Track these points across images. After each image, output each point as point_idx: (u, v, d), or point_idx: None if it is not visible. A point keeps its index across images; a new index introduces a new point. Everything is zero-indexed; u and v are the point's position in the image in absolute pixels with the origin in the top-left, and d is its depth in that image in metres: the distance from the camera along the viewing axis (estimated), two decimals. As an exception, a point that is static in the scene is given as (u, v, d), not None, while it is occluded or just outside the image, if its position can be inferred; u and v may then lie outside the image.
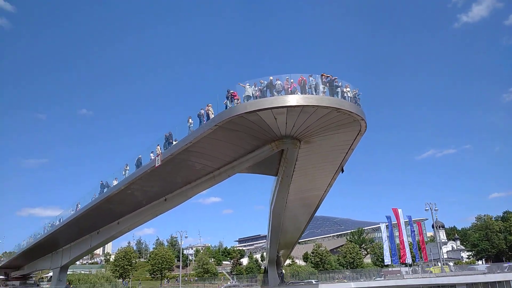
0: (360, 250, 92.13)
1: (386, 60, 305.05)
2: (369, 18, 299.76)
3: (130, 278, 72.69)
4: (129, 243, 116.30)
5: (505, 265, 48.38)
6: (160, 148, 27.90)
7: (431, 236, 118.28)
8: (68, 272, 56.68)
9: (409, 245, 50.27)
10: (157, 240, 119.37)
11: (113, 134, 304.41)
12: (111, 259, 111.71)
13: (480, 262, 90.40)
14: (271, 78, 21.59)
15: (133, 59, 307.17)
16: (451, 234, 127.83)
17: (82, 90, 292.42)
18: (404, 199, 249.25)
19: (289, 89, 21.16)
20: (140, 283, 73.71)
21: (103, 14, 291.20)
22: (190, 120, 25.53)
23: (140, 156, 31.48)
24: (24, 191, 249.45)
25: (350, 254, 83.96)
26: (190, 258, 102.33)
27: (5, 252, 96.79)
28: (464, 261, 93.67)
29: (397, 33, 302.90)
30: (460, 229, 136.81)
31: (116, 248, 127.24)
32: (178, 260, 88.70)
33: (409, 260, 46.78)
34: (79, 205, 41.89)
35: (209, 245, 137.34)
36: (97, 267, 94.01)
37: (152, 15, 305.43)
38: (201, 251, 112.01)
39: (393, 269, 55.29)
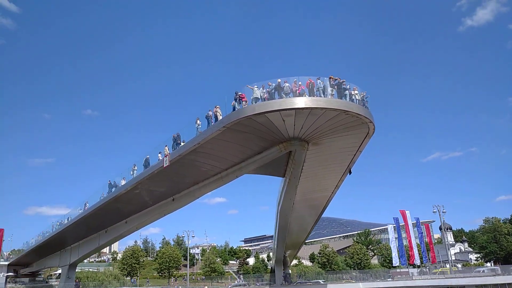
0: (367, 251, 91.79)
1: (391, 63, 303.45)
2: (374, 21, 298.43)
3: (137, 276, 73.21)
4: (135, 242, 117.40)
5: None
6: (168, 149, 28.12)
7: (438, 238, 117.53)
8: (76, 270, 57.29)
9: (417, 247, 50.03)
10: (163, 239, 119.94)
11: (118, 134, 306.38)
12: (118, 258, 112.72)
13: (488, 264, 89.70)
14: (279, 80, 21.67)
15: (138, 59, 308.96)
16: (459, 236, 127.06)
17: (86, 90, 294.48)
18: (409, 201, 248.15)
19: (297, 91, 21.21)
20: (148, 281, 74.22)
21: (108, 13, 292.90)
22: (198, 121, 25.69)
23: (148, 156, 31.78)
24: (31, 190, 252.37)
25: (358, 255, 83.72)
26: (197, 257, 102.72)
27: (14, 249, 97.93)
28: (472, 263, 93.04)
29: (402, 36, 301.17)
30: (467, 231, 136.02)
31: (122, 246, 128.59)
32: (185, 259, 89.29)
33: (417, 261, 46.58)
34: (87, 204, 42.32)
35: (214, 244, 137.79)
36: (104, 265, 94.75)
37: (157, 14, 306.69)
38: (208, 251, 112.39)
39: (401, 270, 55.07)
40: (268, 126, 22.16)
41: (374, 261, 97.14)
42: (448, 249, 56.07)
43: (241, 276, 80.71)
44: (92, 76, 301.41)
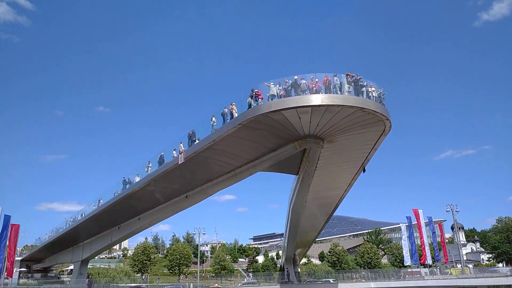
0: (377, 251, 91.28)
1: (403, 60, 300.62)
2: (388, 18, 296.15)
3: (148, 273, 73.77)
4: (146, 238, 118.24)
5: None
6: (183, 146, 28.23)
7: (449, 237, 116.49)
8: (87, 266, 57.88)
9: (429, 246, 49.68)
10: (173, 236, 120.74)
11: (129, 131, 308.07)
12: (128, 254, 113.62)
13: (500, 264, 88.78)
14: (296, 77, 21.65)
15: (151, 56, 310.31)
16: (470, 236, 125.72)
17: (98, 87, 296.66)
18: (420, 200, 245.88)
19: (314, 88, 21.17)
20: (158, 277, 74.75)
21: (120, 9, 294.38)
22: (214, 118, 25.75)
23: (162, 153, 31.92)
24: (43, 186, 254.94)
25: (368, 254, 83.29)
26: (206, 254, 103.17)
27: (26, 245, 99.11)
28: (484, 263, 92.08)
29: (416, 33, 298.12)
30: (479, 231, 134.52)
31: (132, 243, 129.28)
32: (195, 257, 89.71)
33: (429, 261, 46.25)
34: (101, 201, 42.65)
35: (223, 242, 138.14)
36: (115, 261, 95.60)
37: (170, 10, 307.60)
38: (217, 248, 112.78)
39: (413, 270, 54.72)
40: (283, 123, 22.16)
41: (384, 260, 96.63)
42: (460, 249, 55.49)
43: (249, 274, 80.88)
44: (104, 72, 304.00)
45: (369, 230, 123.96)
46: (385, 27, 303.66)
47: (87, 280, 40.92)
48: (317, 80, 21.39)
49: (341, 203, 41.52)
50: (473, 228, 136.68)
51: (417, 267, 57.71)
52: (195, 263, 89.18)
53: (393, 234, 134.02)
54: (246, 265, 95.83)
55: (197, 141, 27.11)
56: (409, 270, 55.41)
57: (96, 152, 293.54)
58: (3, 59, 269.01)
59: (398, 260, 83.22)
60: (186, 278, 77.11)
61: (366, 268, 76.96)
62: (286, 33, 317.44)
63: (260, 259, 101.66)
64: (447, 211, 49.87)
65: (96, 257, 76.59)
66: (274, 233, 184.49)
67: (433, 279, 42.59)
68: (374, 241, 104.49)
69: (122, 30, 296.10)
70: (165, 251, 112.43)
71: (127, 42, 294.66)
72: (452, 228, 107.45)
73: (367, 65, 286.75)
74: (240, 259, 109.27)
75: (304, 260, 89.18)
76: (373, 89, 22.29)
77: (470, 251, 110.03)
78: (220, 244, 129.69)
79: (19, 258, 71.78)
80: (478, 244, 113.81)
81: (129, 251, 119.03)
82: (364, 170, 30.40)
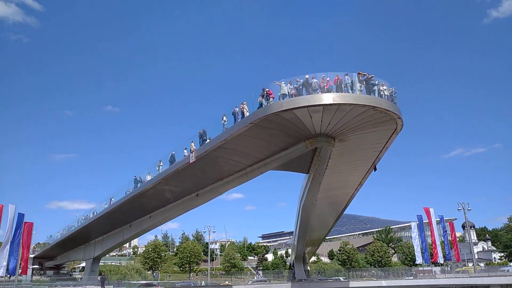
0: (388, 249, 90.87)
1: (412, 57, 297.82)
2: (398, 17, 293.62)
3: (159, 271, 74.40)
4: (156, 236, 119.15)
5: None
6: (194, 145, 28.42)
7: (460, 236, 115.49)
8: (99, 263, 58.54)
9: (441, 245, 49.37)
10: (182, 234, 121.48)
11: (138, 130, 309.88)
12: (138, 252, 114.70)
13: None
14: (307, 76, 21.69)
15: (159, 55, 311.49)
16: (482, 234, 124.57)
17: (106, 86, 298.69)
18: (429, 198, 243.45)
19: (325, 87, 21.17)
20: (169, 275, 75.35)
21: (128, 7, 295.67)
22: (225, 117, 25.87)
23: (173, 152, 32.18)
24: (53, 185, 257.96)
25: (378, 252, 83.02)
26: (216, 252, 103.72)
27: (38, 243, 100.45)
28: (496, 262, 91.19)
29: (425, 31, 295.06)
30: (490, 229, 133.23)
31: (142, 241, 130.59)
32: (204, 254, 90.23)
33: (440, 259, 45.96)
34: (113, 199, 43.08)
35: (232, 240, 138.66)
36: (125, 259, 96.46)
37: (181, 9, 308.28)
38: (227, 246, 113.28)
39: (425, 268, 54.40)
40: (295, 122, 22.21)
41: (394, 259, 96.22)
42: (472, 247, 55.00)
43: (259, 272, 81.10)
44: (112, 72, 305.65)
45: (379, 229, 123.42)
46: (393, 26, 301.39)
47: (100, 277, 41.35)
48: (328, 79, 21.40)
49: (351, 202, 41.50)
50: (484, 226, 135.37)
51: (428, 265, 57.37)
52: (205, 261, 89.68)
53: (402, 232, 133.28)
54: (256, 263, 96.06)
55: (208, 140, 27.28)
56: (420, 268, 55.09)
57: (105, 151, 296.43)
58: (13, 59, 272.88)
59: (409, 259, 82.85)
60: (197, 276, 77.60)
61: (376, 266, 76.72)
62: (290, 32, 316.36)
63: (269, 257, 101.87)
64: (458, 209, 49.45)
65: (106, 255, 77.48)
66: (283, 231, 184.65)
67: (445, 278, 42.23)
68: (384, 239, 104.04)
69: (129, 29, 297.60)
70: (175, 249, 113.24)
71: (135, 41, 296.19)
72: (463, 226, 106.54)
73: (375, 64, 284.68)
74: (249, 257, 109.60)
75: (313, 258, 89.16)
76: (384, 87, 22.24)
77: (481, 249, 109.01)
78: (229, 242, 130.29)
79: (32, 256, 72.85)
80: (489, 243, 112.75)
81: (139, 249, 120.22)
82: (375, 169, 30.35)
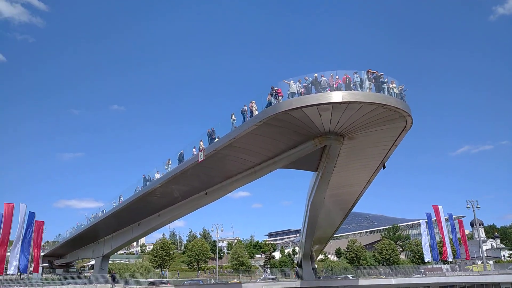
0: (396, 247, 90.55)
1: (417, 54, 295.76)
2: (402, 13, 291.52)
3: (167, 269, 74.83)
4: (163, 235, 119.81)
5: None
6: (203, 144, 28.54)
7: (468, 234, 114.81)
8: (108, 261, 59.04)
9: (450, 243, 49.11)
10: (190, 232, 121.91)
11: (144, 129, 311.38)
12: (146, 250, 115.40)
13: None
14: (316, 74, 21.63)
15: (165, 53, 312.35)
16: (490, 232, 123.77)
17: (112, 85, 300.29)
18: (436, 196, 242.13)
19: (335, 85, 21.14)
20: (178, 273, 75.77)
21: (134, 3, 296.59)
22: (233, 116, 25.95)
23: (182, 151, 32.35)
24: (61, 183, 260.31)
25: (386, 250, 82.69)
26: (224, 250, 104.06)
27: (47, 241, 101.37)
28: (505, 260, 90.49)
29: (430, 27, 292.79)
30: (499, 227, 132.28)
31: (149, 239, 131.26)
32: (212, 252, 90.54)
33: (450, 257, 45.75)
34: (122, 198, 43.43)
35: (239, 238, 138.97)
36: (134, 257, 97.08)
37: (186, 8, 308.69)
38: (234, 244, 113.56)
39: (433, 266, 54.18)
40: (304, 120, 22.19)
41: (402, 257, 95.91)
42: (481, 245, 54.67)
43: (266, 270, 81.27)
44: (118, 71, 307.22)
45: (386, 227, 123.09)
46: (397, 24, 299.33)
47: (111, 274, 41.79)
48: (337, 77, 21.35)
49: (359, 199, 41.40)
50: (493, 224, 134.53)
51: (437, 263, 57.14)
52: (213, 259, 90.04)
53: (410, 230, 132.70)
54: (263, 261, 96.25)
55: (216, 139, 27.39)
56: (429, 266, 54.88)
57: (112, 150, 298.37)
58: (19, 59, 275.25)
59: (417, 257, 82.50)
60: (205, 274, 77.95)
61: (385, 264, 76.51)
62: (298, 31, 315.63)
63: (277, 255, 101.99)
64: (467, 207, 49.12)
65: (115, 253, 78.11)
66: (290, 230, 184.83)
67: (454, 276, 42.06)
68: (392, 237, 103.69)
69: (135, 27, 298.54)
70: (182, 247, 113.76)
71: (141, 39, 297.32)
72: (472, 224, 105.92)
73: (380, 62, 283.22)
74: (256, 255, 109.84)
75: (321, 256, 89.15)
76: (394, 85, 22.12)
77: (490, 247, 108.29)
78: (236, 240, 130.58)
79: (41, 254, 73.59)
80: (498, 241, 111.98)
81: (147, 247, 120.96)
82: (384, 167, 30.23)
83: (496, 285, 38.48)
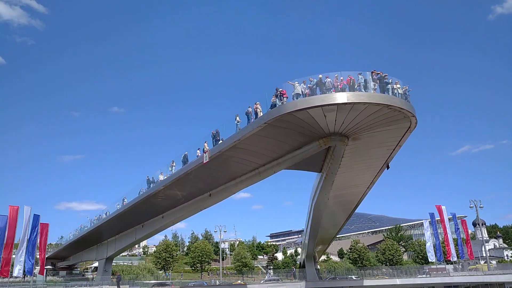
0: (398, 247, 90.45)
1: (416, 53, 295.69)
2: (400, 13, 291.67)
3: (171, 270, 74.87)
4: (165, 236, 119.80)
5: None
6: (208, 145, 28.63)
7: (471, 233, 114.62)
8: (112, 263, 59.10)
9: (454, 242, 49.11)
10: (192, 234, 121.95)
11: (144, 130, 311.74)
12: (148, 252, 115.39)
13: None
14: (321, 76, 21.77)
15: (166, 55, 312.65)
16: (492, 232, 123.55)
17: (112, 87, 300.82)
18: (437, 196, 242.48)
19: (339, 86, 21.26)
20: (181, 274, 75.79)
21: (134, 4, 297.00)
22: (238, 118, 26.05)
23: (186, 153, 32.47)
24: (62, 186, 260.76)
25: (389, 250, 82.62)
26: (226, 252, 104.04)
27: (50, 243, 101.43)
28: (508, 259, 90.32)
29: (430, 27, 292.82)
30: (501, 226, 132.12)
31: (151, 241, 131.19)
32: (215, 254, 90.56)
33: (454, 257, 45.74)
34: (126, 200, 43.51)
35: (240, 239, 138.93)
36: (136, 259, 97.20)
37: (188, 5, 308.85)
38: (236, 246, 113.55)
39: (437, 266, 54.13)
40: (309, 121, 22.30)
41: (404, 257, 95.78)
42: (484, 245, 54.64)
43: (268, 271, 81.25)
44: (118, 73, 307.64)
45: (388, 227, 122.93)
46: (396, 24, 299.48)
47: (116, 276, 41.89)
48: (342, 78, 21.47)
49: (363, 200, 41.44)
50: (495, 224, 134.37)
51: (440, 263, 57.09)
52: (215, 260, 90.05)
53: (412, 230, 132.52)
54: (266, 262, 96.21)
55: (221, 141, 27.48)
56: (433, 266, 54.84)
57: (113, 152, 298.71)
58: (18, 61, 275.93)
59: (421, 257, 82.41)
60: (209, 275, 77.98)
61: (388, 265, 76.41)
62: (301, 33, 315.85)
63: (279, 256, 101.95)
64: (470, 207, 49.19)
65: (118, 255, 78.17)
66: (291, 230, 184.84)
67: (459, 276, 42.06)
68: (394, 237, 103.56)
69: (134, 28, 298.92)
70: (184, 249, 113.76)
71: (140, 40, 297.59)
72: (474, 224, 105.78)
73: (380, 63, 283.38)
74: (259, 256, 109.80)
75: (323, 257, 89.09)
76: (398, 86, 22.28)
77: (492, 247, 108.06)
78: (238, 242, 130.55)
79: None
80: (501, 240, 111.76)
81: (149, 249, 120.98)
82: (388, 167, 30.33)
83: (501, 284, 38.47)
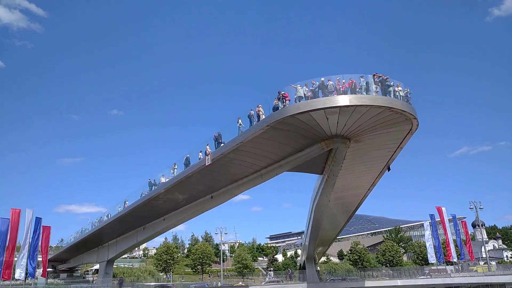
0: (398, 249, 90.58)
1: (414, 55, 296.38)
2: (399, 15, 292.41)
3: (172, 272, 74.92)
4: (166, 238, 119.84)
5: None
6: (210, 148, 28.78)
7: (470, 234, 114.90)
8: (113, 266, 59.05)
9: (454, 243, 49.30)
10: (192, 236, 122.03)
11: (143, 133, 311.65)
12: (148, 254, 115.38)
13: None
14: (323, 79, 21.95)
15: (166, 58, 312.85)
16: (492, 233, 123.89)
17: (111, 90, 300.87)
18: (435, 197, 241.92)
19: (341, 89, 21.44)
20: (183, 276, 75.88)
21: (133, 6, 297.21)
22: (240, 120, 26.22)
23: (188, 155, 32.55)
24: (61, 188, 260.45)
25: (390, 252, 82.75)
26: (227, 254, 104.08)
27: (50, 246, 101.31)
28: (508, 260, 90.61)
29: (427, 28, 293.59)
30: (500, 228, 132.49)
31: (151, 243, 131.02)
32: (215, 256, 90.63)
33: (454, 258, 45.91)
34: (127, 202, 43.56)
35: (240, 241, 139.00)
36: (137, 261, 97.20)
37: (187, 7, 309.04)
38: (237, 247, 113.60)
39: (438, 267, 54.31)
40: (311, 124, 22.47)
41: (404, 258, 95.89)
42: (484, 246, 54.84)
43: (269, 273, 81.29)
44: (117, 75, 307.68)
45: (388, 228, 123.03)
46: (395, 25, 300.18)
47: (118, 279, 41.93)
48: (344, 81, 21.65)
49: (363, 202, 41.60)
50: (494, 225, 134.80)
51: (440, 264, 57.27)
52: (216, 262, 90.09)
53: (412, 232, 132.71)
54: (266, 264, 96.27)
55: (223, 144, 27.62)
56: (434, 267, 55.00)
57: (112, 155, 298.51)
58: (18, 65, 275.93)
59: (421, 258, 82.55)
60: (210, 277, 78.04)
61: (388, 266, 76.52)
62: (303, 35, 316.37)
63: (279, 257, 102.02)
64: (470, 208, 49.38)
65: (119, 257, 78.14)
66: (291, 232, 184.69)
67: (460, 276, 42.22)
68: (394, 239, 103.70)
69: (134, 30, 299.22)
70: (185, 251, 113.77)
71: (139, 43, 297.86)
72: (473, 225, 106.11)
73: (378, 64, 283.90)
74: (259, 258, 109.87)
75: (323, 258, 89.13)
76: (399, 88, 22.47)
77: (492, 248, 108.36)
78: (238, 243, 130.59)
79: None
80: (500, 241, 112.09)
81: (149, 251, 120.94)
82: (389, 169, 30.50)
83: (501, 285, 38.66)
